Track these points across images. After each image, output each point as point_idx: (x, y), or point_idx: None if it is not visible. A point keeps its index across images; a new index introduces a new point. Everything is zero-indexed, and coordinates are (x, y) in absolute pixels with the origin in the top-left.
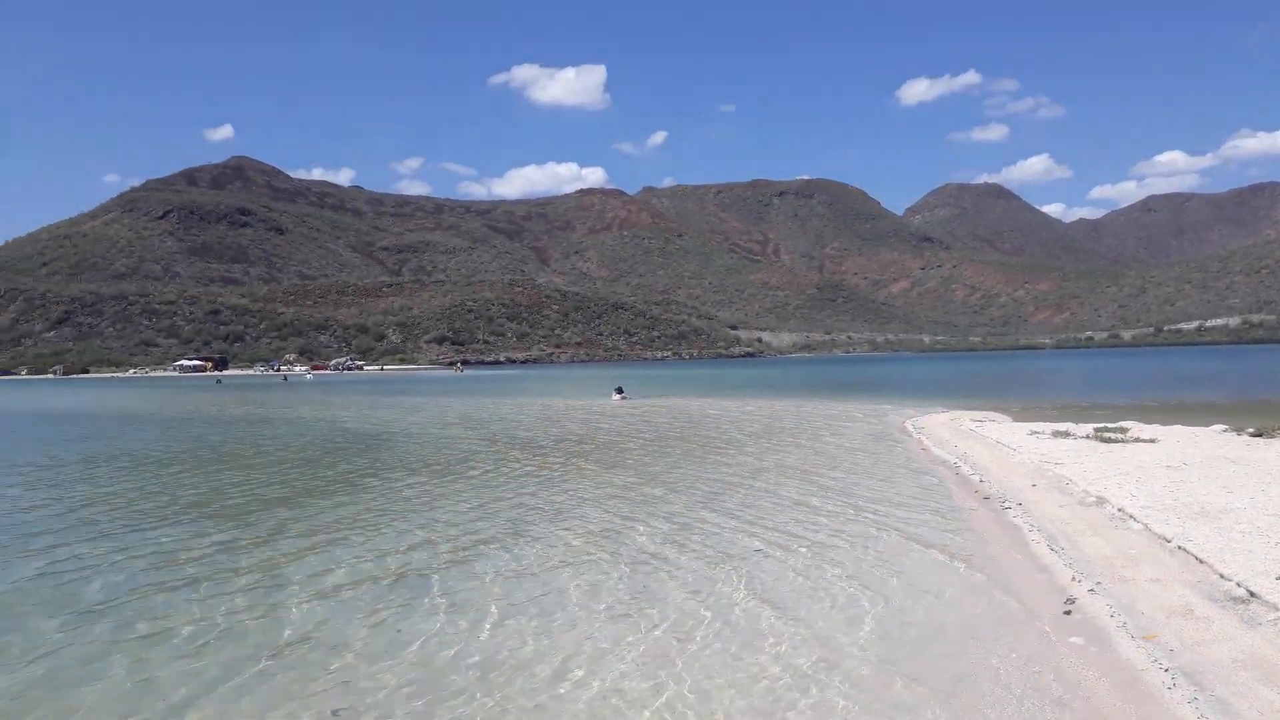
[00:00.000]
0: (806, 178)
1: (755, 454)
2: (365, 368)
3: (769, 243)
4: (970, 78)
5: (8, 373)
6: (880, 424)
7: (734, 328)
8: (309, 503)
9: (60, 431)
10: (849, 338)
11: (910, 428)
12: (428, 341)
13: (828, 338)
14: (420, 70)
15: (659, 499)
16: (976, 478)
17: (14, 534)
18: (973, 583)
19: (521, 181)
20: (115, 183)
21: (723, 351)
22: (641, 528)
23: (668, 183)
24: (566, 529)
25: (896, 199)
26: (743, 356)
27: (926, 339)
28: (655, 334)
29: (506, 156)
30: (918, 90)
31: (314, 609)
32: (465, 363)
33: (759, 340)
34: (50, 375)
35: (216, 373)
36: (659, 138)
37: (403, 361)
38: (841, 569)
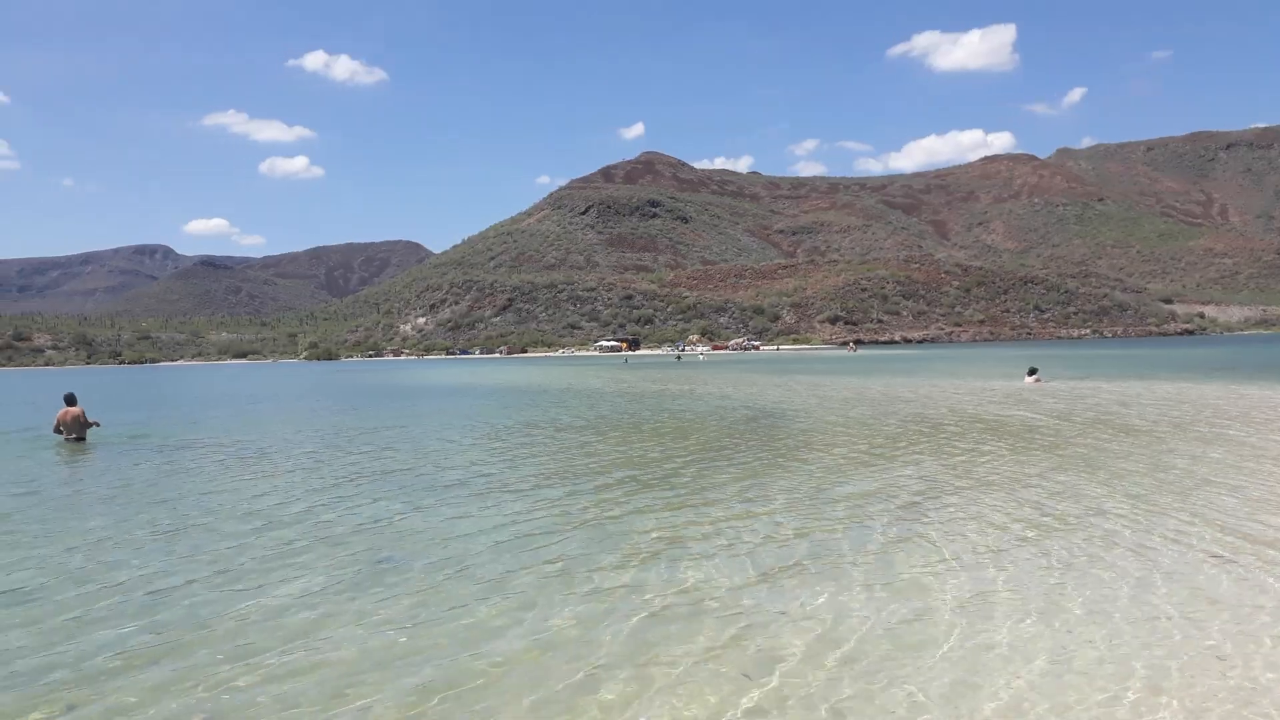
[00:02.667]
0: (1262, 126)
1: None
2: (761, 348)
3: (1213, 203)
4: None
5: (465, 352)
6: None
7: (1168, 301)
8: (773, 469)
9: (533, 400)
10: None
11: None
12: (821, 321)
13: None
14: (816, 52)
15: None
16: None
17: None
18: None
19: (920, 154)
20: (546, 184)
21: (1154, 329)
22: (1199, 526)
23: (1086, 143)
24: (1102, 522)
25: None
26: (1180, 334)
27: None
28: (1071, 310)
29: (904, 129)
30: None
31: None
32: (859, 342)
33: (1200, 315)
34: (497, 354)
35: (628, 352)
36: (1075, 95)
37: (796, 341)
38: None
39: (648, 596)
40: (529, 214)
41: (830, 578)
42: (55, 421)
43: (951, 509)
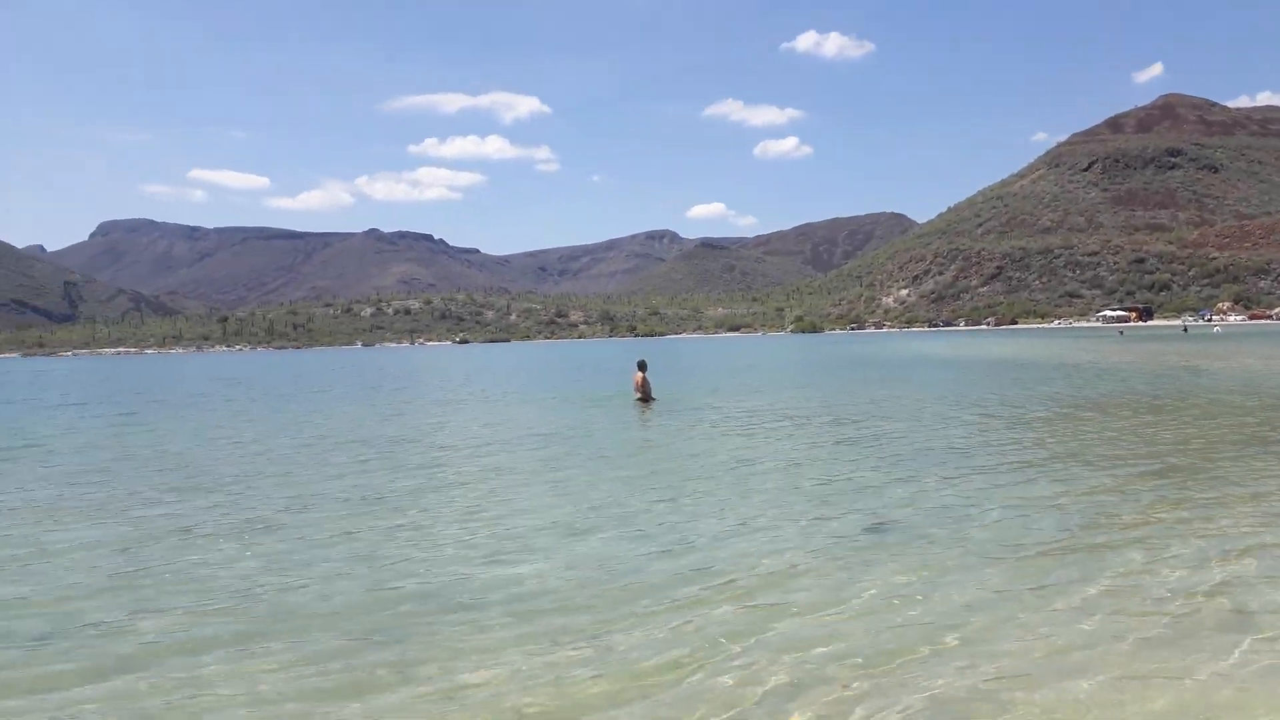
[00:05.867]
0: None
1: None
2: None
3: None
4: None
5: (949, 324)
6: None
7: None
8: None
9: (1020, 375)
10: None
11: None
12: None
13: None
14: None
15: None
16: None
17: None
18: None
19: None
20: (1042, 141)
21: None
22: None
23: None
24: None
25: None
26: None
27: None
28: None
29: None
30: None
31: None
32: None
33: None
34: (983, 326)
35: (1135, 323)
36: None
37: None
38: None
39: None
40: (1021, 175)
41: None
42: (633, 384)
43: None
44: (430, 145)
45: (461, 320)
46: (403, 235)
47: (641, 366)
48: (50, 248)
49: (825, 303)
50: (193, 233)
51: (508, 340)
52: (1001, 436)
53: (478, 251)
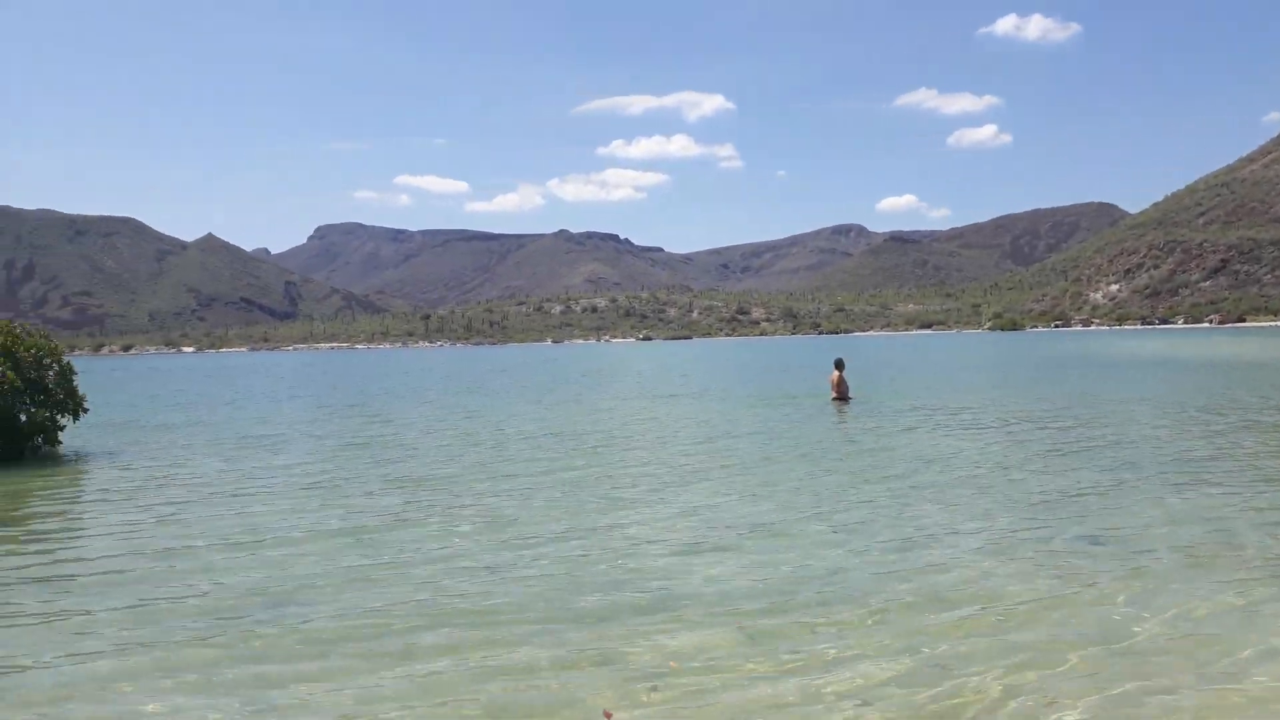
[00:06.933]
0: None
1: None
2: None
3: None
4: None
5: (1165, 321)
6: None
7: None
8: None
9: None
10: None
11: None
12: None
13: None
14: None
15: None
16: None
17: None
18: None
19: None
20: (1275, 121)
21: None
22: None
23: None
24: None
25: None
26: None
27: None
28: None
29: None
30: None
31: None
32: None
33: None
34: (1206, 324)
35: None
36: None
37: None
38: None
39: None
40: (1251, 159)
41: None
42: (830, 384)
43: None
44: (617, 146)
45: (645, 318)
46: (590, 235)
47: (839, 365)
48: (274, 250)
49: (1026, 298)
50: (398, 235)
51: (689, 337)
52: (1235, 443)
53: (661, 250)
